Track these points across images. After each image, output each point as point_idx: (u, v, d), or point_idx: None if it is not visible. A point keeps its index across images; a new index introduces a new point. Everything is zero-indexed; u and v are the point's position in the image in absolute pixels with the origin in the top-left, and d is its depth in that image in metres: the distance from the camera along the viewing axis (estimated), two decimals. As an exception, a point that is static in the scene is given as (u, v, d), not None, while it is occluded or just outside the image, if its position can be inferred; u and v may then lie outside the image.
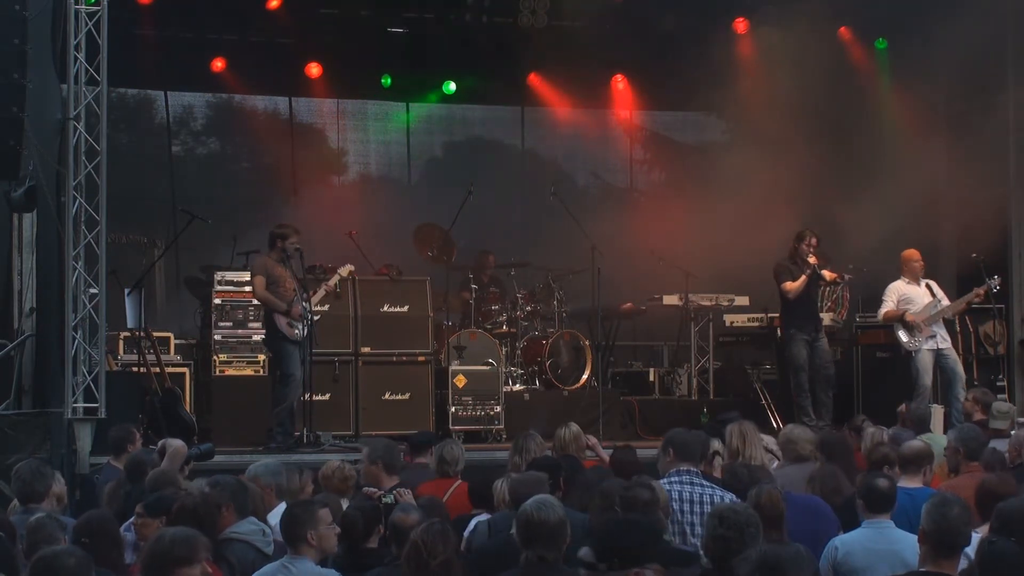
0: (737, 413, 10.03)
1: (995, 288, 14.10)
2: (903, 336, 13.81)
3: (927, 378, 13.67)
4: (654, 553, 4.50)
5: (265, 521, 6.92)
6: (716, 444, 9.29)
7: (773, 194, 16.21)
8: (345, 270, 13.62)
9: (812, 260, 13.82)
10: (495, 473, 8.00)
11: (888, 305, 13.97)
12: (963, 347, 15.03)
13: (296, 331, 12.53)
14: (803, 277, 13.81)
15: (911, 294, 13.95)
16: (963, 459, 8.82)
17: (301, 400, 12.68)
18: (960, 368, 13.86)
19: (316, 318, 12.81)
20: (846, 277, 14.35)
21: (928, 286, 14.00)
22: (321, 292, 13.25)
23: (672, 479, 7.37)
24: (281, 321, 12.54)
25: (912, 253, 14.09)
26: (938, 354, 13.78)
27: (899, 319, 13.81)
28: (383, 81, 17.78)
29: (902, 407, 11.75)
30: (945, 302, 13.99)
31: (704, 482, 7.43)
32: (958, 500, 6.09)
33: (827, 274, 14.11)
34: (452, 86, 18.02)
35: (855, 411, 14.55)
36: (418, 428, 12.24)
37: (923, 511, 5.83)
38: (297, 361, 12.54)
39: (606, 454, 10.08)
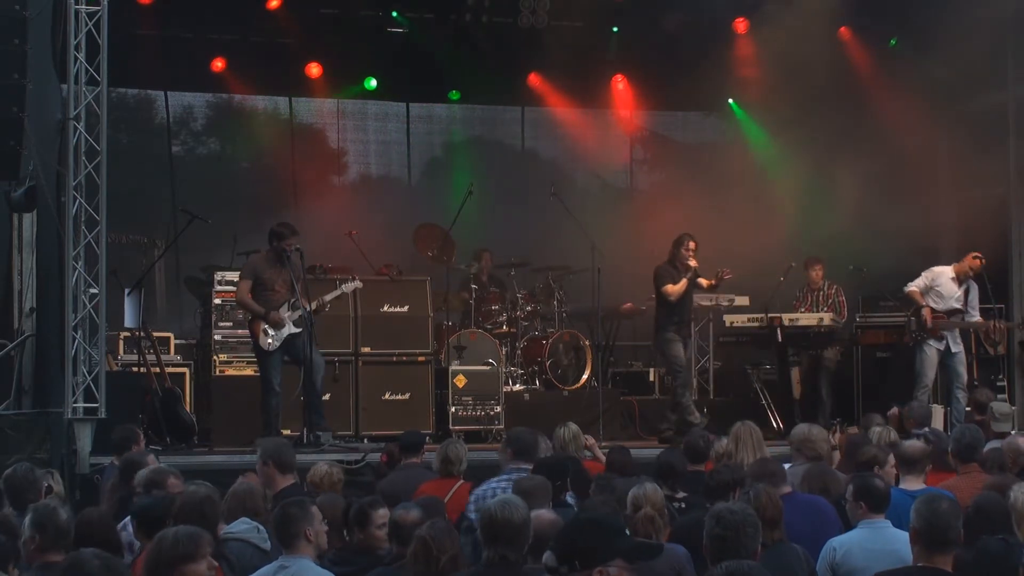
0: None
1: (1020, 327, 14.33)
2: (912, 324, 13.80)
3: (930, 373, 13.68)
4: (616, 550, 4.46)
5: (262, 521, 6.90)
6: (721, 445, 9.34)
7: (773, 194, 16.23)
8: (350, 287, 13.18)
9: (692, 264, 13.84)
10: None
11: (918, 284, 13.90)
12: (963, 347, 15.03)
13: (270, 340, 12.25)
14: (683, 281, 13.84)
15: (946, 290, 13.83)
16: (956, 461, 8.83)
17: (301, 400, 12.64)
18: (963, 370, 13.83)
19: (299, 331, 12.38)
20: (725, 277, 14.11)
21: (967, 292, 13.88)
22: (313, 304, 12.54)
23: (511, 475, 7.84)
24: (257, 328, 12.31)
25: (975, 262, 13.88)
26: (947, 354, 13.75)
27: (917, 311, 13.76)
28: (365, 83, 17.75)
29: (893, 410, 11.74)
30: (975, 315, 13.93)
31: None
32: (946, 496, 6.10)
33: (703, 281, 14.04)
34: (456, 94, 18.07)
35: (855, 411, 14.58)
36: (418, 428, 12.20)
37: (912, 510, 5.84)
38: (273, 369, 12.30)
39: (603, 455, 10.11)
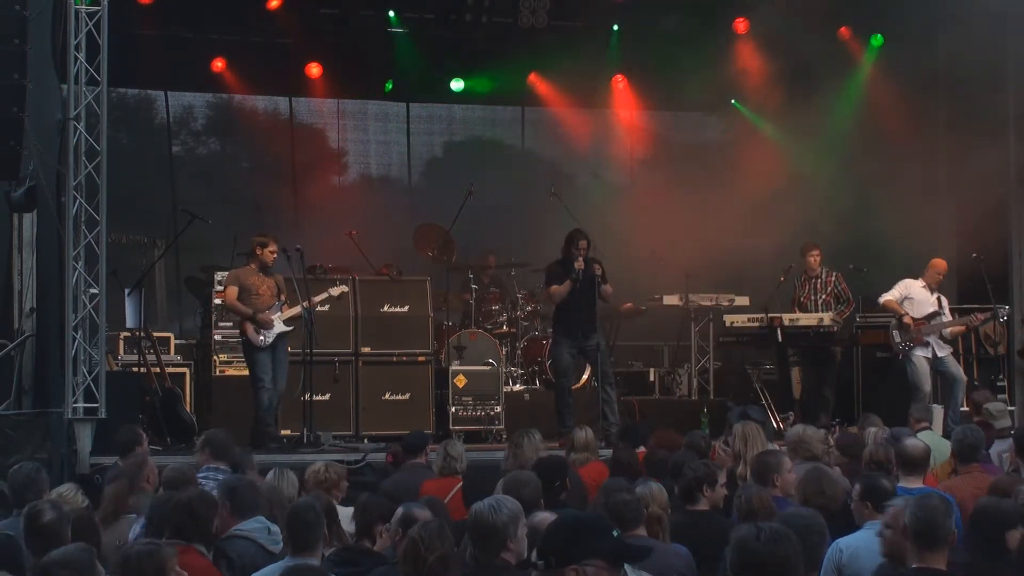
0: (742, 409, 10.06)
1: (1003, 319, 14.20)
2: (896, 336, 13.79)
3: (926, 384, 13.59)
4: (595, 550, 4.42)
5: (275, 521, 6.87)
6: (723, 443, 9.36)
7: (773, 194, 16.22)
8: (336, 290, 13.20)
9: (578, 265, 13.14)
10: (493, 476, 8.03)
11: (893, 295, 13.86)
12: (963, 347, 15.05)
13: (262, 338, 12.40)
14: (567, 283, 13.19)
15: (919, 297, 13.82)
16: (956, 461, 8.84)
17: (301, 400, 12.66)
18: (961, 372, 13.81)
19: (289, 329, 12.56)
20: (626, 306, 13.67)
21: (939, 299, 13.91)
22: (295, 310, 12.61)
23: (208, 474, 8.33)
24: (248, 328, 12.47)
25: (942, 264, 13.92)
26: (936, 360, 13.73)
27: (898, 318, 13.77)
28: (386, 86, 17.88)
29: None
30: (947, 318, 13.92)
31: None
32: (938, 494, 6.09)
33: (607, 289, 13.26)
34: (460, 84, 18.04)
35: (855, 411, 14.57)
36: (418, 428, 12.18)
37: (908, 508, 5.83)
38: (265, 367, 12.40)
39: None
